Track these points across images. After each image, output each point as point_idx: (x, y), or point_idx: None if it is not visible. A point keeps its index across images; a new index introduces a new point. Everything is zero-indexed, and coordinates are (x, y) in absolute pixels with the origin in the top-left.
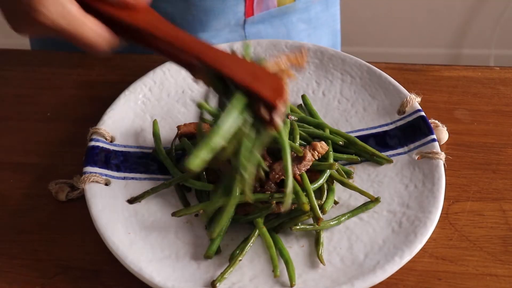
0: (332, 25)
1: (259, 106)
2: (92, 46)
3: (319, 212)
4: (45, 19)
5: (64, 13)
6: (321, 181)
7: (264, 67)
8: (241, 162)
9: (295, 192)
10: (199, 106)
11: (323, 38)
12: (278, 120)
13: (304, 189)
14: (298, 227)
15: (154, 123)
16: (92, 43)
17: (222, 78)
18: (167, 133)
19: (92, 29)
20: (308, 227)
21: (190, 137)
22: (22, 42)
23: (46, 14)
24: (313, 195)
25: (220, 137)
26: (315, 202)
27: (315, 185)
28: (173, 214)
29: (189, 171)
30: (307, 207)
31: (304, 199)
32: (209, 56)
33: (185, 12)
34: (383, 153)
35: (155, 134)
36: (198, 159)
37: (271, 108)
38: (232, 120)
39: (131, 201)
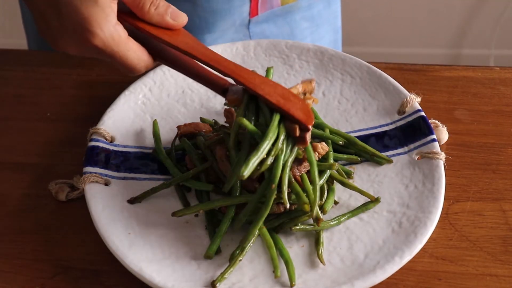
0: (334, 22)
1: (293, 126)
2: (133, 69)
3: (320, 212)
4: (97, 41)
5: (115, 35)
6: (321, 181)
7: (288, 89)
8: (277, 174)
9: (295, 193)
10: (240, 122)
11: (325, 35)
12: (308, 138)
13: (305, 189)
14: (298, 228)
15: (154, 123)
16: (134, 66)
17: (254, 99)
18: (167, 133)
19: (135, 53)
20: (308, 227)
21: (190, 137)
22: (21, 42)
23: (100, 35)
24: (313, 195)
25: (265, 151)
26: (316, 203)
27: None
28: (173, 214)
29: (240, 178)
30: (308, 207)
31: (305, 200)
32: (244, 77)
33: (192, 13)
34: (383, 153)
35: (155, 134)
36: (250, 169)
37: (304, 128)
38: (273, 136)
39: (132, 201)
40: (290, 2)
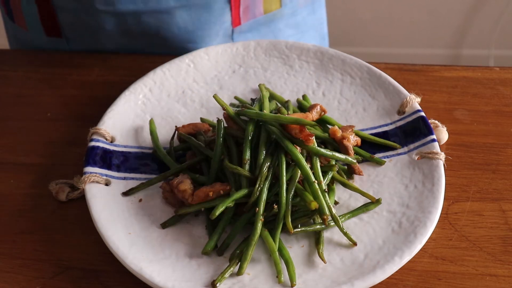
0: (319, 29)
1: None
2: None
3: (331, 208)
4: None
5: None
6: (325, 181)
7: None
8: (261, 200)
9: (300, 193)
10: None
11: (311, 42)
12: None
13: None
14: (298, 230)
15: (151, 122)
16: None
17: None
18: (167, 133)
19: None
20: (308, 228)
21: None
22: None
23: None
24: (319, 192)
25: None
26: (323, 201)
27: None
28: (176, 212)
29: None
30: (315, 205)
31: (311, 198)
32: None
33: (170, 24)
34: (383, 153)
35: (152, 132)
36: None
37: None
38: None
39: (127, 193)
40: (273, 10)
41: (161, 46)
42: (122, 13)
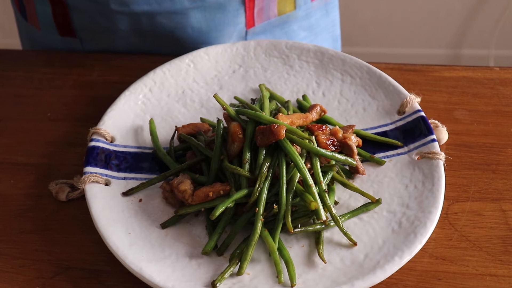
0: (332, 31)
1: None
2: None
3: (331, 208)
4: None
5: None
6: (325, 181)
7: None
8: (261, 200)
9: (299, 193)
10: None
11: (323, 44)
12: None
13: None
14: (298, 230)
15: (150, 121)
16: None
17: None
18: (167, 133)
19: None
20: (308, 228)
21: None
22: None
23: None
24: (317, 195)
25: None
26: (322, 202)
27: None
28: (176, 212)
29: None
30: (315, 205)
31: (311, 198)
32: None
33: (184, 25)
34: (383, 153)
35: (152, 132)
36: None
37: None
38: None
39: (126, 193)
40: (287, 11)
41: (174, 46)
42: (137, 14)
